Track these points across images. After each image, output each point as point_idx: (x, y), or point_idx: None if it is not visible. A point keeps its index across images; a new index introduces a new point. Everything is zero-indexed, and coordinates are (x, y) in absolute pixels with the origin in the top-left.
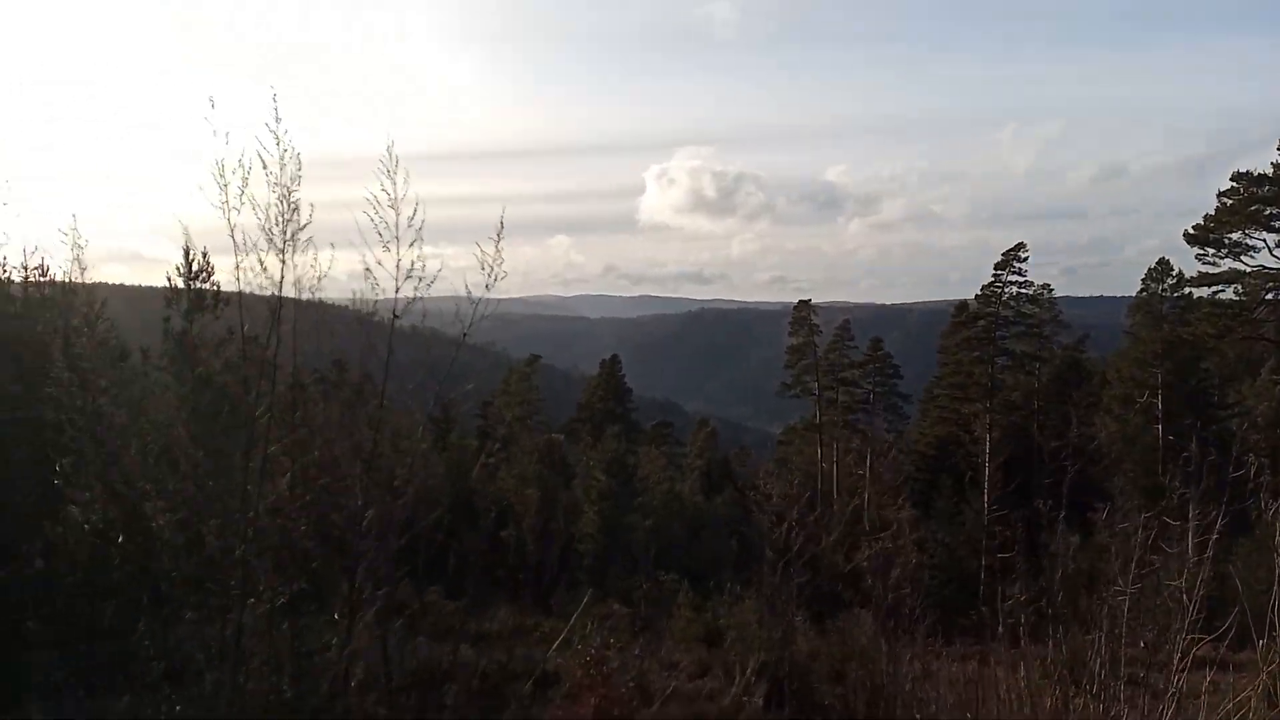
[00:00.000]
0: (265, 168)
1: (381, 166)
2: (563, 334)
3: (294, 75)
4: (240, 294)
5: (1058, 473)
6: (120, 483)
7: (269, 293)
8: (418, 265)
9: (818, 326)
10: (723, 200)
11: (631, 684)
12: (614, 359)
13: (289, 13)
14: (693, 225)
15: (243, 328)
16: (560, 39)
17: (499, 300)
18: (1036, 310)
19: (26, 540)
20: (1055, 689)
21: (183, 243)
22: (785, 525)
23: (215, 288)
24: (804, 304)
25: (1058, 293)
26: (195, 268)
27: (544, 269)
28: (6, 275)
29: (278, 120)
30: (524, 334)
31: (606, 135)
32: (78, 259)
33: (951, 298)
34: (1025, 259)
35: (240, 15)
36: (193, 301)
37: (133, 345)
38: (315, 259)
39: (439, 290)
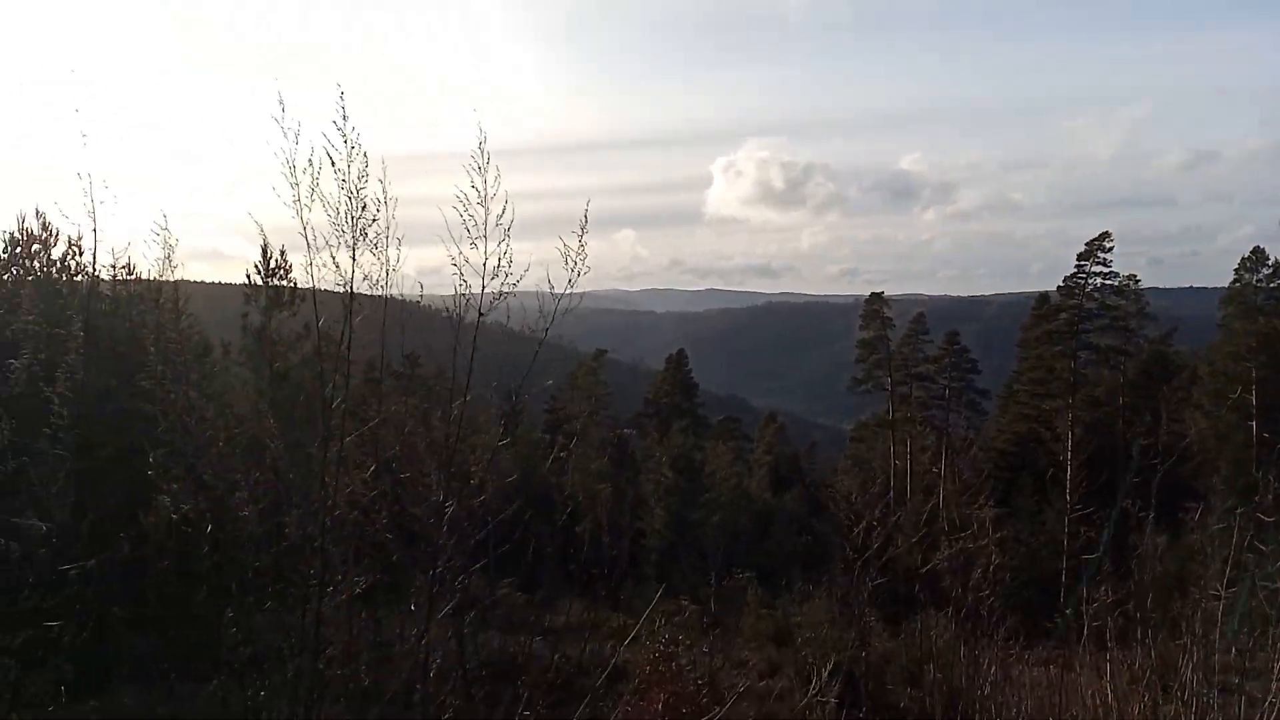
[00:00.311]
0: (334, 165)
1: (471, 162)
2: (628, 328)
3: (365, 74)
4: (314, 290)
5: (1146, 471)
6: (208, 474)
7: (340, 289)
8: (504, 261)
9: (890, 320)
10: (791, 191)
11: (700, 681)
12: (680, 353)
13: (364, 9)
14: (760, 217)
15: (319, 323)
16: (625, 30)
17: (581, 295)
18: (1122, 302)
19: (119, 528)
20: (1144, 696)
21: (259, 241)
22: (861, 524)
23: (292, 284)
24: (876, 296)
25: (1144, 284)
26: (272, 265)
27: (609, 263)
28: (97, 273)
29: (345, 118)
30: (589, 328)
31: (672, 127)
32: (168, 257)
33: (1032, 290)
34: (1110, 249)
35: (315, 15)
36: (270, 298)
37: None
38: (391, 255)
39: (515, 286)
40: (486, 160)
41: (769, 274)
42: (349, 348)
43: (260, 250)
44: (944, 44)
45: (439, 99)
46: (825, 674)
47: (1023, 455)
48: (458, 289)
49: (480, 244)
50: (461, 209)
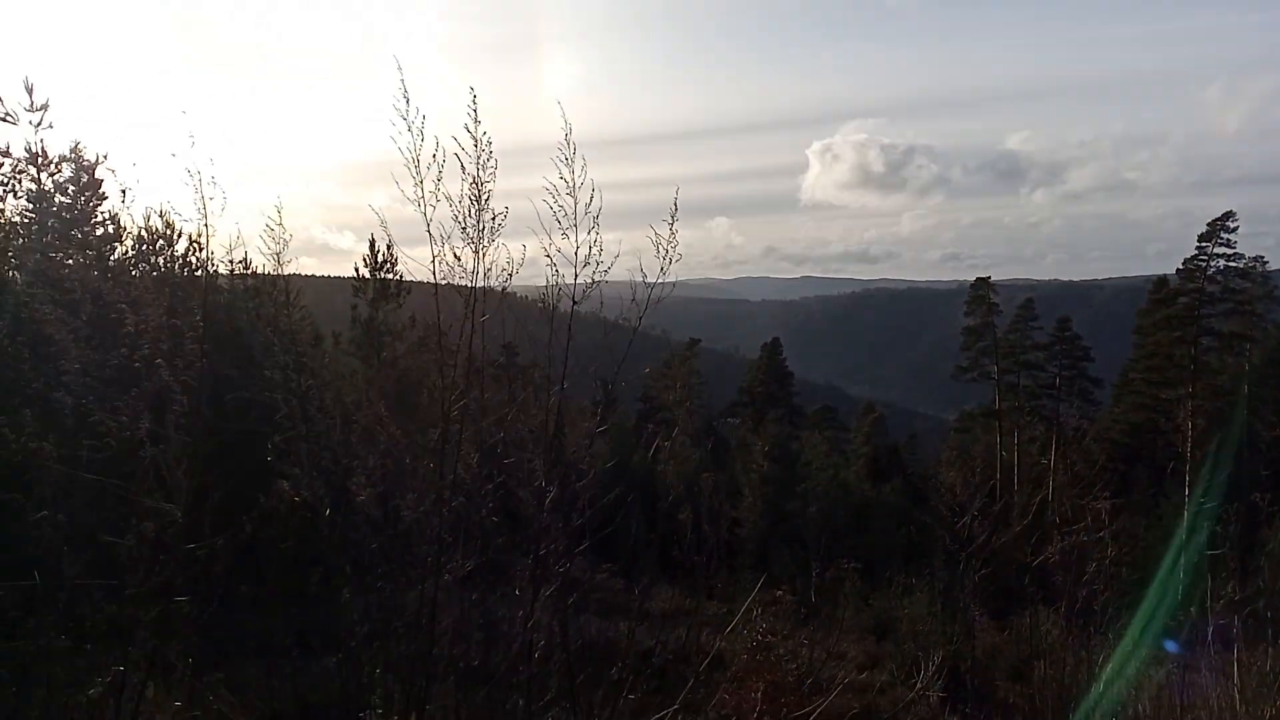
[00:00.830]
0: (462, 165)
1: (560, 154)
2: (722, 317)
3: (465, 68)
4: (436, 286)
5: (1274, 464)
6: (327, 458)
7: (444, 281)
8: (595, 251)
9: (997, 306)
10: (891, 174)
11: (798, 671)
12: (775, 342)
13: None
14: (858, 202)
15: (439, 316)
16: (718, 15)
17: (673, 284)
18: (1247, 285)
19: (242, 510)
20: (1275, 701)
21: (369, 236)
22: (966, 517)
23: (399, 277)
24: (982, 282)
25: (1272, 265)
26: (380, 259)
27: (703, 251)
28: (214, 268)
29: (477, 122)
30: (683, 318)
31: (767, 112)
32: (278, 253)
33: (1149, 273)
34: (1235, 229)
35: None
36: (377, 291)
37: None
38: (506, 248)
39: (606, 275)
40: (573, 151)
41: (867, 260)
42: (470, 340)
43: (369, 245)
44: (1054, 15)
45: (534, 91)
46: (930, 668)
47: (1139, 447)
48: (549, 279)
49: (571, 234)
50: (552, 200)
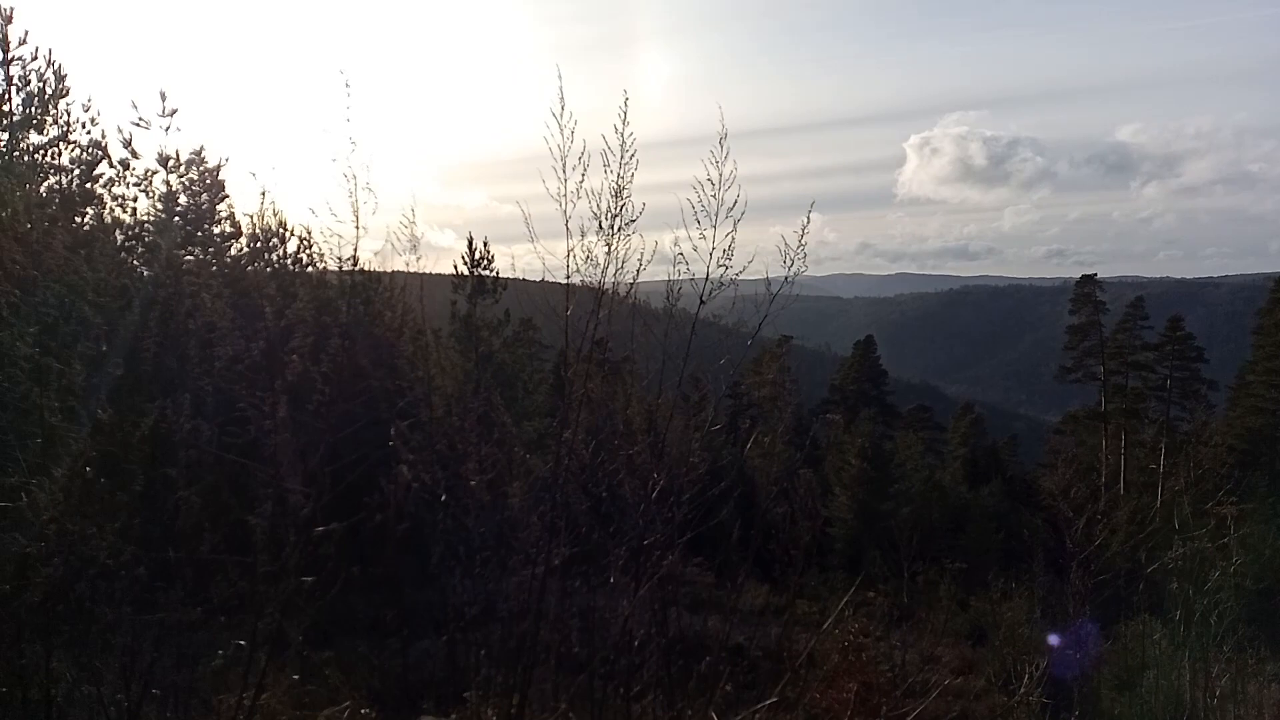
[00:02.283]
0: (606, 163)
1: (712, 154)
2: (814, 314)
3: (571, 69)
4: (568, 284)
5: None
6: (443, 445)
7: (542, 278)
8: (727, 251)
9: (1104, 304)
10: (993, 168)
11: (890, 673)
12: (869, 339)
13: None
14: (958, 197)
15: (568, 311)
16: (813, 8)
17: (796, 285)
18: None
19: (364, 494)
20: None
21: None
22: (1078, 522)
23: (495, 273)
24: (1088, 279)
25: None
26: (477, 256)
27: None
28: (324, 265)
29: (625, 123)
30: (774, 315)
31: (862, 106)
32: (414, 247)
33: (1270, 270)
34: None
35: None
36: (475, 287)
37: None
38: (633, 244)
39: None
40: (726, 153)
41: (967, 256)
42: (594, 339)
43: (466, 243)
44: (1166, 2)
45: (629, 88)
46: (1032, 675)
47: (1256, 452)
48: (670, 276)
49: (709, 233)
50: (677, 196)
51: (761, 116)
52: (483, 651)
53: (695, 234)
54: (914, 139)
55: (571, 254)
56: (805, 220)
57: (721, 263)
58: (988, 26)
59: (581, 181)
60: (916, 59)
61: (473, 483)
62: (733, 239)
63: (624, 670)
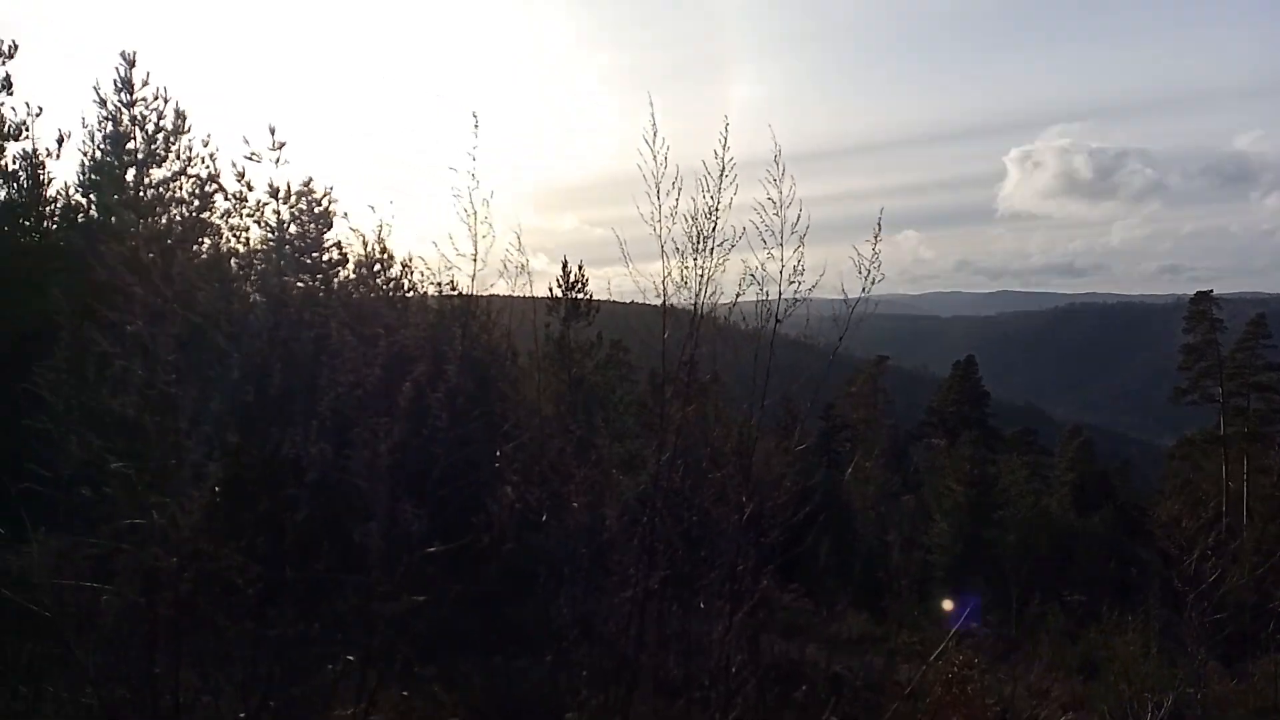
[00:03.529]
0: (700, 184)
1: (768, 174)
2: (910, 334)
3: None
4: (665, 305)
5: None
6: (545, 467)
7: (628, 300)
8: (798, 269)
9: (1221, 322)
10: (1100, 181)
11: (997, 708)
12: (969, 359)
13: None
14: (1062, 212)
15: (665, 334)
16: (901, 24)
17: (875, 301)
18: None
19: (473, 515)
20: None
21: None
22: (1194, 553)
23: (589, 296)
24: (1203, 296)
25: None
26: (571, 279)
27: (890, 266)
28: (423, 290)
29: (726, 146)
30: (868, 335)
31: (958, 121)
32: (523, 272)
33: None
34: None
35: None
36: (569, 309)
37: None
38: (711, 264)
39: (810, 293)
40: (782, 171)
41: (1073, 273)
42: (692, 361)
43: (560, 266)
44: None
45: (715, 112)
46: (1154, 714)
47: None
48: (738, 294)
49: (777, 252)
50: (759, 218)
51: (853, 134)
52: (584, 673)
53: (776, 253)
54: (1014, 153)
55: (669, 276)
56: (877, 229)
57: (793, 279)
58: (1089, 36)
59: (676, 205)
60: (1014, 72)
61: (575, 504)
62: (801, 256)
63: (721, 696)
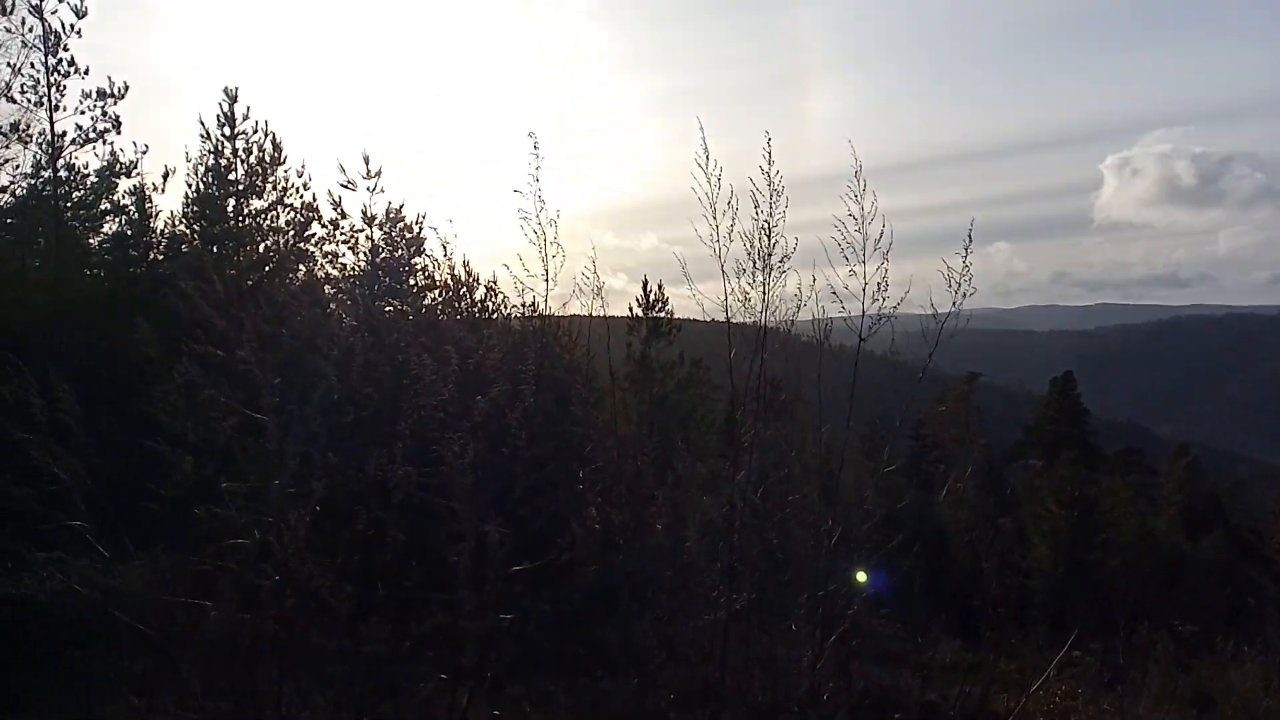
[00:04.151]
0: (756, 205)
1: (849, 189)
2: (1003, 349)
3: (734, 110)
4: (728, 321)
5: None
6: (623, 489)
7: (733, 318)
8: (881, 285)
9: None
10: (1205, 187)
11: None
12: (1067, 375)
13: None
14: (1164, 220)
15: (731, 353)
16: (989, 32)
17: (969, 316)
18: None
19: (555, 535)
20: None
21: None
22: None
23: (670, 314)
24: None
25: None
26: (652, 298)
27: (981, 279)
28: (509, 312)
29: (770, 162)
30: (959, 350)
31: (1050, 129)
32: (599, 293)
33: None
34: None
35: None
36: (650, 329)
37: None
38: (787, 283)
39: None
40: (863, 187)
41: (1176, 284)
42: (763, 380)
43: (641, 285)
44: None
45: (801, 125)
46: None
47: None
48: (817, 313)
49: (858, 269)
50: (839, 233)
51: (941, 145)
52: (670, 695)
53: (859, 270)
54: (1111, 160)
55: (765, 293)
56: (967, 240)
57: (876, 296)
58: (1187, 38)
59: (733, 224)
60: (1107, 78)
61: (659, 525)
62: (885, 272)
63: None
